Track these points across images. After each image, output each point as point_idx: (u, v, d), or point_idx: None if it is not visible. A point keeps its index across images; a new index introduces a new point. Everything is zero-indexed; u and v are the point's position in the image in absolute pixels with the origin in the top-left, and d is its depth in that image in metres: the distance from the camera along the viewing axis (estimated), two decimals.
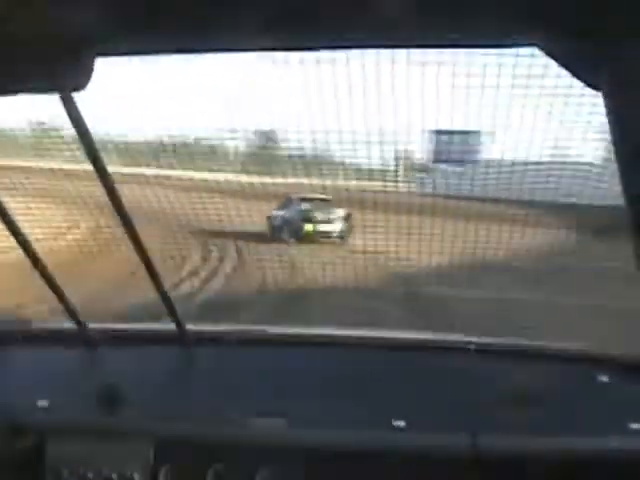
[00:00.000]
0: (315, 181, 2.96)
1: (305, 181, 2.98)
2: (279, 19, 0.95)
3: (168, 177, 2.92)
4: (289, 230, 3.15)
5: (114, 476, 2.41)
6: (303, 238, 3.18)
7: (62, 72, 1.17)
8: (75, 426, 2.48)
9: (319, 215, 3.19)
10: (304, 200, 2.93)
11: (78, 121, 2.07)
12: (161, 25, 1.08)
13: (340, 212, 3.00)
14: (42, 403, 2.50)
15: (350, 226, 2.82)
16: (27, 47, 1.09)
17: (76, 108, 2.02)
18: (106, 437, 2.45)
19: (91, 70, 1.19)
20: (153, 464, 2.41)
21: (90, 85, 1.25)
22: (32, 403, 2.49)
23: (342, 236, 2.92)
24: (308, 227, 3.34)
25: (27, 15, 1.02)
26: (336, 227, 3.07)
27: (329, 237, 3.07)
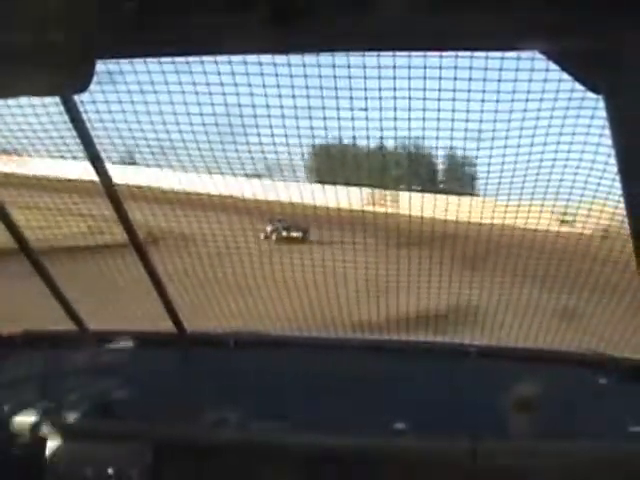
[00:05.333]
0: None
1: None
2: (279, 21, 0.95)
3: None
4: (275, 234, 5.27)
5: (114, 477, 2.41)
6: (281, 239, 5.12)
7: (63, 75, 1.17)
8: (75, 427, 2.48)
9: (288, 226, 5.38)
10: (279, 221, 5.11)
11: (80, 125, 2.07)
12: (159, 29, 1.08)
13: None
14: (43, 404, 2.50)
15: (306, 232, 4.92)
16: (29, 50, 1.09)
17: (78, 111, 2.02)
18: (106, 438, 2.45)
19: (92, 73, 1.19)
20: (152, 465, 2.41)
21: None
22: (33, 404, 2.49)
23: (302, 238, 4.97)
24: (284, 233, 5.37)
25: (28, 19, 1.02)
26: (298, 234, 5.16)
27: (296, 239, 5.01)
